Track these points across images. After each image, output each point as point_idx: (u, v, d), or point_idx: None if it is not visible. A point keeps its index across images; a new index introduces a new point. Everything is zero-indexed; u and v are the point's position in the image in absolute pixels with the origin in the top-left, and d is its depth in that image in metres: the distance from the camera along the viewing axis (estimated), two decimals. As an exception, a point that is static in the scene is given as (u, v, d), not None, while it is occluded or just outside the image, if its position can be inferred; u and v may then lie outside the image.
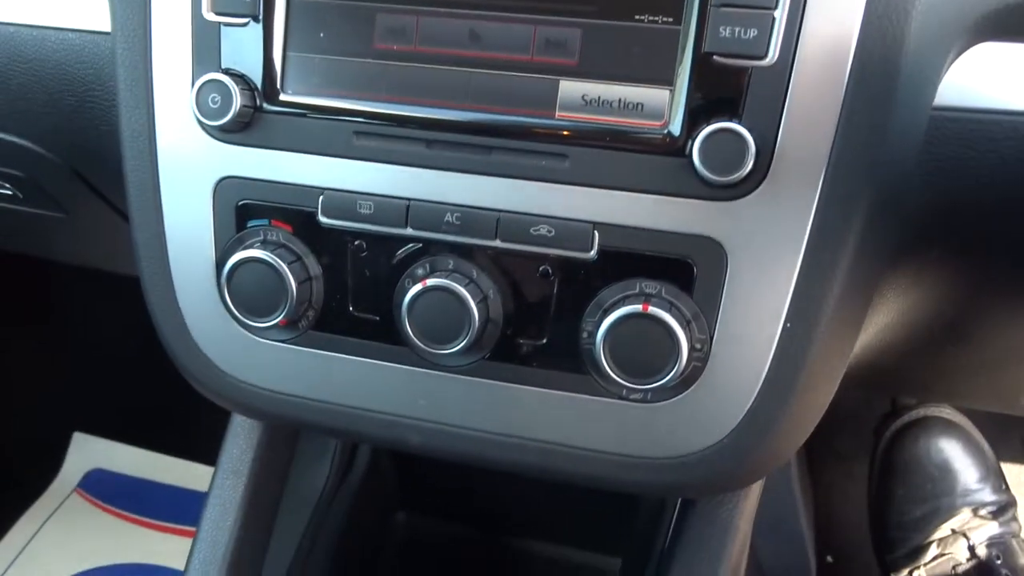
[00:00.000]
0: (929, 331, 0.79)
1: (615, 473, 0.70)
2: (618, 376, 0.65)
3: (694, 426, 0.67)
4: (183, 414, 1.99)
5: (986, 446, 1.46)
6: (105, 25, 0.78)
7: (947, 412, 1.47)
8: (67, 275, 1.85)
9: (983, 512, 1.41)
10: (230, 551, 0.85)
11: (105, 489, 1.94)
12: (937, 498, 1.43)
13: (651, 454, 0.69)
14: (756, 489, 0.81)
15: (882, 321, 0.77)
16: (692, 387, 0.66)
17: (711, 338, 0.65)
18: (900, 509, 1.47)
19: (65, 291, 1.95)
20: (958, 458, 1.44)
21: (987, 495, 1.43)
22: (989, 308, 0.76)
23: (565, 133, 0.65)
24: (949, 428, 1.46)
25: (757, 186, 0.62)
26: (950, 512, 1.43)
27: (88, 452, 2.00)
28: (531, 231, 0.66)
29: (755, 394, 0.66)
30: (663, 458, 0.69)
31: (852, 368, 0.85)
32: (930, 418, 1.47)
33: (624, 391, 0.67)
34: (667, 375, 0.64)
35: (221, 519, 0.86)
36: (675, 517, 0.84)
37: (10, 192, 1.01)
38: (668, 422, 0.68)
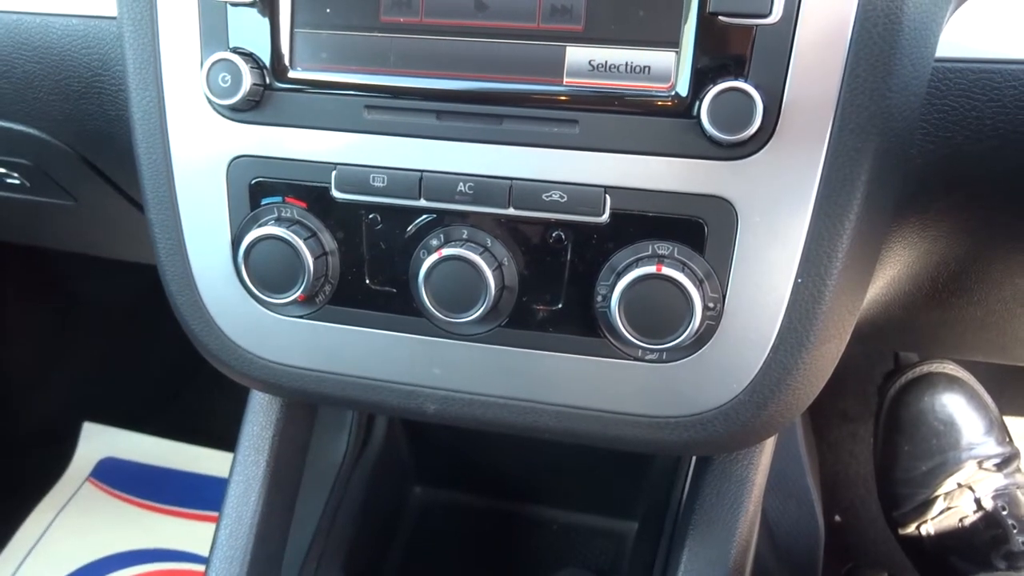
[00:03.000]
0: (934, 284, 0.80)
1: (632, 433, 0.72)
2: (633, 337, 0.66)
3: (709, 383, 0.69)
4: (193, 402, 2.02)
5: (989, 400, 1.48)
6: (109, 10, 0.79)
7: (950, 367, 1.49)
8: (76, 265, 1.85)
9: (988, 465, 1.43)
10: (255, 526, 0.86)
11: (117, 477, 1.96)
12: (942, 452, 1.45)
13: (668, 413, 0.71)
14: (769, 445, 0.83)
15: (889, 274, 0.78)
16: (706, 345, 0.68)
17: (724, 296, 0.66)
18: (906, 465, 1.49)
19: (74, 282, 1.96)
20: (962, 412, 1.46)
21: (991, 448, 1.45)
22: (991, 259, 0.77)
23: (574, 99, 0.66)
24: (952, 383, 1.48)
25: (765, 143, 0.63)
26: (955, 466, 1.44)
27: (99, 441, 2.01)
28: (543, 197, 0.67)
29: (768, 349, 0.67)
30: (680, 416, 0.70)
31: (860, 323, 0.87)
32: (933, 374, 1.48)
33: (639, 352, 0.69)
34: (682, 334, 0.65)
35: (245, 496, 0.88)
36: (690, 476, 0.85)
37: (18, 181, 1.01)
38: (684, 381, 0.69)
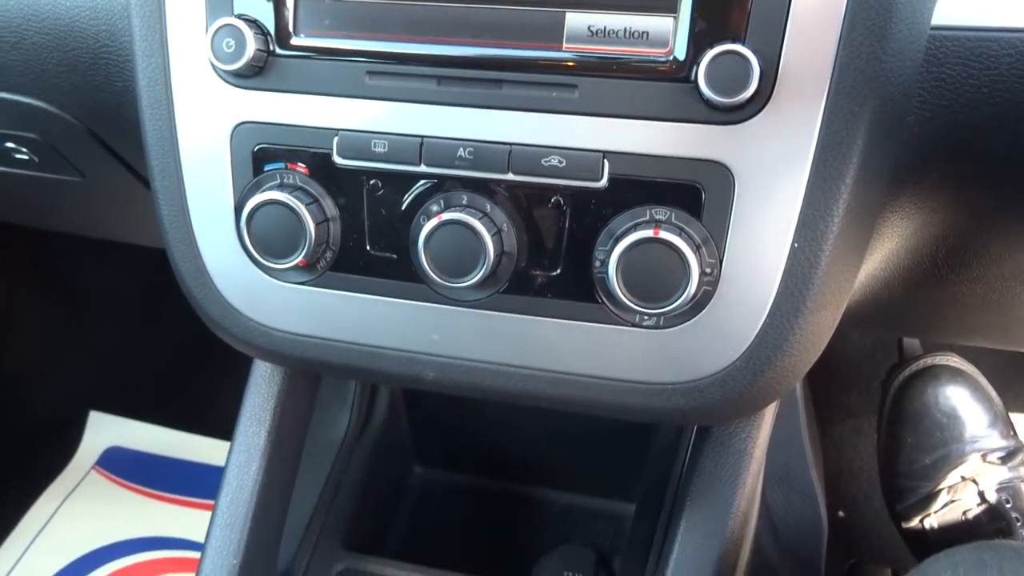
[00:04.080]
0: (932, 259, 0.80)
1: (631, 400, 0.72)
2: (631, 302, 0.66)
3: (707, 349, 0.69)
4: (199, 392, 2.02)
5: (993, 393, 1.48)
6: (117, -19, 0.80)
7: (954, 360, 1.48)
8: (82, 255, 1.87)
9: (992, 458, 1.43)
10: (256, 495, 0.87)
11: (123, 466, 1.97)
12: (946, 445, 1.45)
13: (666, 379, 0.71)
14: (769, 418, 0.83)
15: (887, 247, 0.78)
16: (703, 311, 0.68)
17: (721, 261, 0.67)
18: (909, 458, 1.48)
19: (81, 271, 1.97)
20: (966, 405, 1.46)
21: (996, 441, 1.44)
22: (990, 233, 0.77)
23: (573, 64, 0.67)
24: (956, 376, 1.47)
25: (762, 108, 0.63)
26: (959, 459, 1.44)
27: (105, 430, 2.02)
28: (542, 162, 0.68)
29: (765, 315, 0.67)
30: (677, 383, 0.71)
31: (861, 304, 0.87)
32: (937, 367, 1.48)
33: (637, 317, 0.69)
34: (679, 299, 0.66)
35: (246, 465, 0.88)
36: (689, 450, 0.86)
37: (26, 156, 1.03)
38: (681, 346, 0.69)
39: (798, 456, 1.56)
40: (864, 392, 1.80)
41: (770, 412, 0.83)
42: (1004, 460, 1.43)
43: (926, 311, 0.98)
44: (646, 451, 1.14)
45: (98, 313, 2.03)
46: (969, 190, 0.72)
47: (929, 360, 1.49)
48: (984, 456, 1.43)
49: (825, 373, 1.77)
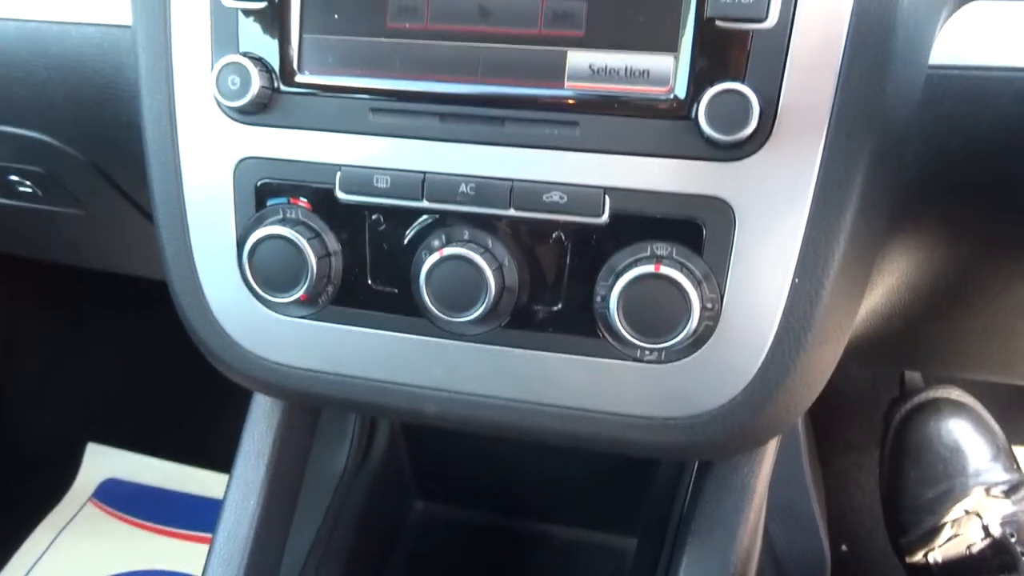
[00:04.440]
0: (933, 294, 0.81)
1: (632, 435, 0.72)
2: (632, 336, 0.67)
3: (708, 384, 0.69)
4: (197, 424, 2.02)
5: (996, 426, 1.47)
6: (124, 19, 0.81)
7: (956, 394, 1.48)
8: (82, 285, 1.87)
9: (995, 491, 1.42)
10: (253, 530, 0.86)
11: (119, 498, 1.95)
12: (949, 479, 1.44)
13: (667, 414, 0.71)
14: (771, 453, 0.82)
15: (888, 283, 0.78)
16: (705, 346, 0.68)
17: (722, 297, 0.67)
18: (912, 492, 1.48)
19: (81, 302, 1.97)
20: (968, 438, 1.45)
21: (999, 474, 1.43)
22: (990, 269, 0.78)
23: (574, 102, 0.67)
24: (958, 409, 1.47)
25: (762, 145, 0.64)
26: (963, 492, 1.43)
27: (102, 462, 2.01)
28: (543, 198, 0.68)
29: (766, 350, 0.67)
30: (679, 418, 0.71)
31: (863, 339, 0.87)
32: (939, 400, 1.48)
33: (638, 352, 0.69)
34: (680, 334, 0.66)
35: (244, 499, 0.88)
36: (691, 485, 0.85)
37: (30, 189, 1.03)
38: (683, 381, 0.69)
39: (800, 490, 1.55)
40: (866, 426, 1.79)
41: (772, 447, 0.83)
42: (1008, 494, 1.42)
43: (927, 345, 0.98)
44: (648, 485, 1.13)
45: (98, 344, 2.03)
46: (969, 227, 0.72)
47: (931, 393, 1.49)
48: (988, 490, 1.43)
49: (826, 407, 1.76)
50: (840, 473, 1.81)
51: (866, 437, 1.79)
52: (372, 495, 1.14)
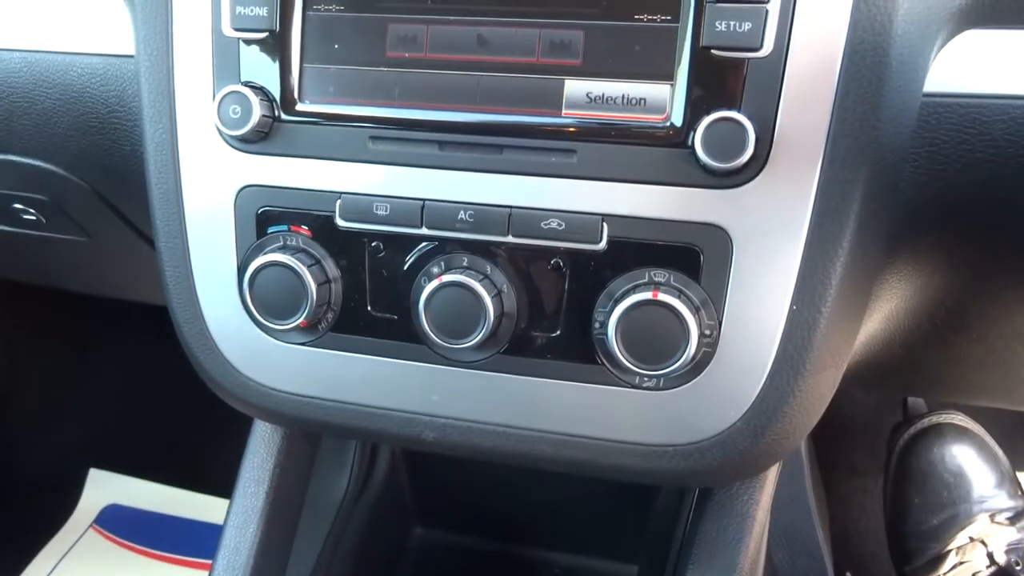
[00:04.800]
0: (932, 320, 0.81)
1: (631, 462, 0.72)
2: (630, 363, 0.67)
3: (706, 411, 0.69)
4: (199, 450, 2.01)
5: (1000, 452, 1.46)
6: (127, 49, 0.82)
7: (959, 419, 1.47)
8: (85, 311, 1.88)
9: (1000, 518, 1.41)
10: (253, 557, 0.86)
11: (121, 524, 1.94)
12: (954, 505, 1.43)
13: (666, 441, 0.71)
14: (771, 481, 0.82)
15: (887, 309, 0.78)
16: (703, 372, 0.68)
17: (720, 323, 0.67)
18: (917, 518, 1.47)
19: (84, 327, 1.98)
20: (972, 464, 1.44)
21: (1003, 501, 1.42)
22: (988, 295, 0.78)
23: (572, 130, 0.68)
24: (962, 434, 1.46)
25: (758, 172, 0.64)
26: (967, 519, 1.42)
27: (104, 487, 2.00)
28: (542, 225, 0.69)
29: (765, 377, 0.67)
30: (678, 445, 0.71)
31: (863, 364, 0.87)
32: (942, 425, 1.47)
33: (637, 378, 0.69)
34: (678, 360, 0.66)
35: (244, 527, 0.88)
36: (691, 513, 0.85)
37: (34, 217, 1.04)
38: (681, 408, 0.69)
39: (804, 516, 1.54)
40: (869, 450, 1.78)
41: (773, 473, 0.82)
42: (1013, 521, 1.41)
43: (928, 371, 0.98)
44: (648, 512, 1.12)
45: (100, 369, 2.03)
46: (966, 252, 0.73)
47: (934, 418, 1.49)
48: (992, 516, 1.42)
49: (830, 431, 1.75)
50: (844, 497, 1.80)
51: (870, 461, 1.78)
52: (372, 521, 1.13)
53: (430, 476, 1.25)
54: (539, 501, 1.24)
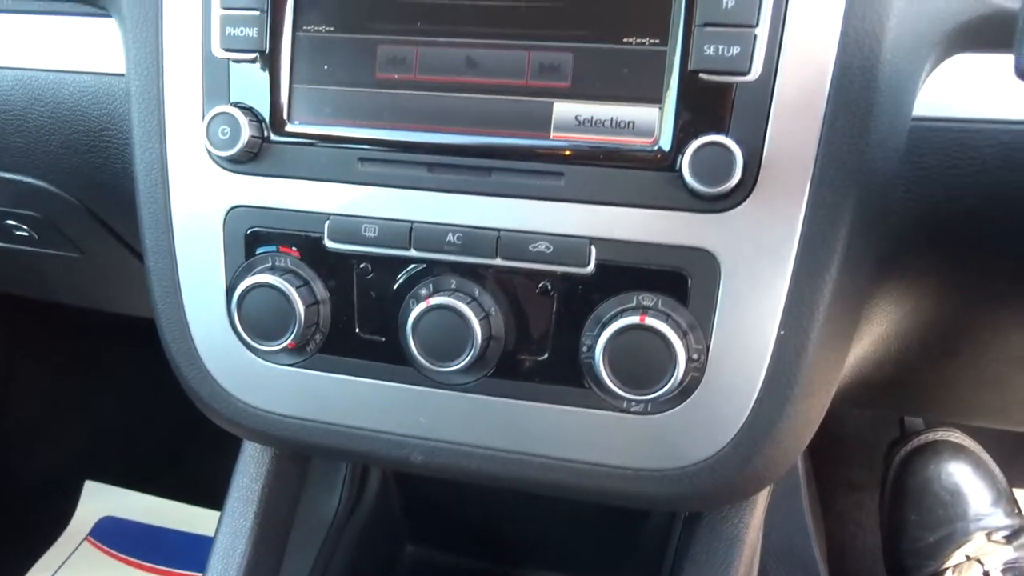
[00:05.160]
0: (923, 343, 0.80)
1: (620, 486, 0.71)
2: (618, 387, 0.66)
3: (695, 436, 0.69)
4: (194, 462, 2.01)
5: (997, 470, 1.46)
6: (118, 68, 0.82)
7: (956, 436, 1.47)
8: (81, 323, 1.87)
9: (997, 536, 1.40)
10: (241, 577, 0.86)
11: (116, 537, 1.94)
12: (951, 523, 1.42)
13: (654, 466, 0.70)
14: (762, 503, 0.82)
15: (877, 332, 0.78)
16: (691, 397, 0.68)
17: (708, 348, 0.67)
18: (913, 536, 1.46)
19: (80, 340, 1.97)
20: (969, 482, 1.44)
21: (1000, 519, 1.42)
22: (979, 319, 0.77)
23: (560, 153, 0.68)
24: (959, 452, 1.46)
25: (746, 197, 0.64)
26: (964, 537, 1.41)
27: (99, 500, 2.00)
28: (530, 248, 0.69)
29: (753, 402, 0.67)
30: (666, 469, 0.70)
31: (855, 384, 0.87)
32: (939, 442, 1.46)
33: (624, 403, 0.69)
34: (665, 385, 0.65)
35: (231, 548, 0.87)
36: (681, 535, 0.84)
37: (26, 233, 1.04)
38: (669, 433, 0.69)
39: (800, 532, 1.54)
40: (866, 465, 1.77)
41: (763, 496, 0.82)
42: (1009, 539, 1.40)
43: (921, 392, 0.97)
44: (640, 533, 1.12)
45: (97, 382, 2.03)
46: (955, 276, 0.72)
47: (931, 435, 1.48)
48: (989, 535, 1.41)
49: (826, 446, 1.75)
50: (841, 513, 1.79)
51: (867, 476, 1.77)
52: (363, 539, 1.13)
53: (421, 495, 1.25)
54: (530, 520, 1.23)
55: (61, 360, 2.01)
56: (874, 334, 0.78)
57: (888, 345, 0.80)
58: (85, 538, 1.94)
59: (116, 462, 2.03)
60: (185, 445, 1.99)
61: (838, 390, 0.81)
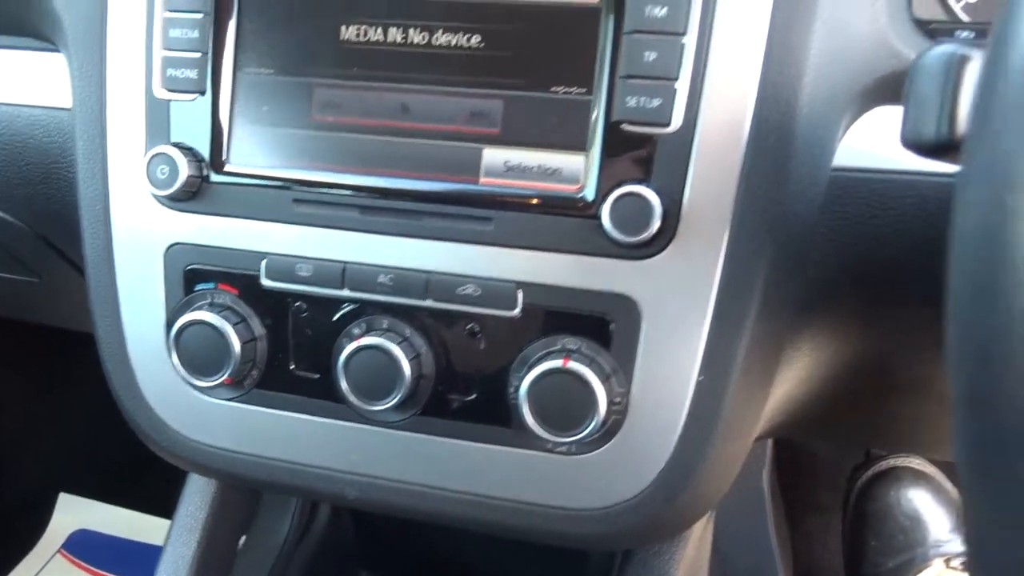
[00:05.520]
0: (852, 382, 0.81)
1: (545, 525, 0.73)
2: (541, 429, 0.68)
3: (618, 476, 0.70)
4: (168, 474, 2.01)
5: (956, 496, 1.47)
6: (68, 102, 0.83)
7: (916, 462, 1.48)
8: (53, 337, 1.88)
9: (955, 563, 1.41)
10: (182, 607, 0.87)
11: (88, 550, 1.95)
12: (910, 549, 1.43)
13: (578, 505, 0.71)
14: (693, 538, 0.83)
15: (803, 374, 0.79)
16: (614, 439, 0.69)
17: (629, 392, 0.68)
18: (874, 560, 1.47)
19: (55, 354, 1.98)
20: (928, 508, 1.45)
21: (959, 546, 1.43)
22: (903, 363, 0.79)
23: (489, 198, 0.69)
24: (919, 478, 1.47)
25: (666, 245, 0.65)
26: (923, 563, 1.43)
27: (73, 512, 2.01)
28: (458, 291, 0.70)
29: (674, 444, 0.68)
30: (591, 509, 0.71)
31: (793, 422, 0.88)
32: (899, 468, 1.48)
33: (549, 444, 0.70)
34: (588, 427, 0.67)
35: None
36: (617, 569, 0.85)
37: (-16, 259, 1.05)
38: (593, 473, 0.70)
39: (766, 555, 1.55)
40: (833, 486, 1.78)
41: (695, 532, 0.83)
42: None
43: (856, 428, 0.98)
44: (585, 565, 1.13)
45: (72, 395, 2.04)
46: (878, 323, 0.74)
47: (892, 461, 1.49)
48: (948, 561, 1.42)
49: (794, 467, 1.76)
50: (809, 533, 1.80)
51: (833, 497, 1.78)
52: (314, 566, 1.14)
53: (374, 520, 1.26)
54: (481, 548, 1.24)
55: (36, 374, 2.02)
56: (801, 376, 0.79)
57: (817, 385, 0.81)
58: (58, 551, 1.95)
59: (91, 475, 2.04)
60: (159, 458, 2.00)
61: (777, 426, 0.82)
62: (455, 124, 0.70)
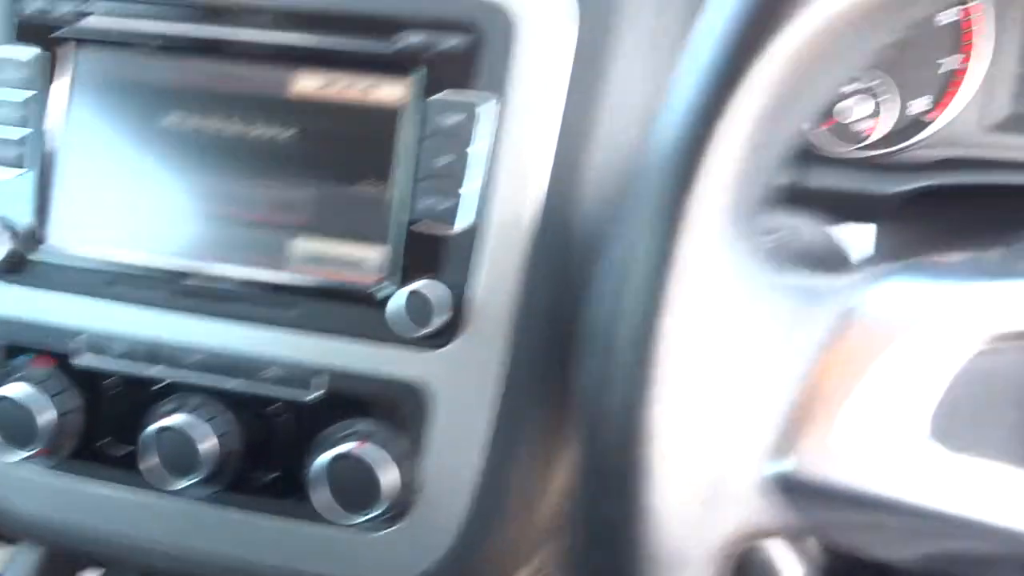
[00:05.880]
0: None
1: (343, 599, 0.75)
2: (335, 508, 0.71)
3: (410, 554, 0.73)
4: None
5: None
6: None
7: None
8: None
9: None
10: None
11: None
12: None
13: (374, 579, 0.75)
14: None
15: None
16: (404, 519, 0.72)
17: (419, 475, 0.71)
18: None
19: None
20: None
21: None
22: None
23: (292, 285, 0.73)
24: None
25: (453, 337, 0.70)
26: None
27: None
28: (261, 374, 0.73)
29: (463, 525, 0.72)
30: (385, 583, 0.75)
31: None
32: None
33: (344, 521, 0.73)
34: (379, 508, 0.70)
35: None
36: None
37: None
38: (387, 550, 0.73)
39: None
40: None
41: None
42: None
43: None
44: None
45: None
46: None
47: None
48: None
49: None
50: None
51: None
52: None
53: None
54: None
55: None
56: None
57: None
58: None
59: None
60: None
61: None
62: (263, 213, 0.74)
